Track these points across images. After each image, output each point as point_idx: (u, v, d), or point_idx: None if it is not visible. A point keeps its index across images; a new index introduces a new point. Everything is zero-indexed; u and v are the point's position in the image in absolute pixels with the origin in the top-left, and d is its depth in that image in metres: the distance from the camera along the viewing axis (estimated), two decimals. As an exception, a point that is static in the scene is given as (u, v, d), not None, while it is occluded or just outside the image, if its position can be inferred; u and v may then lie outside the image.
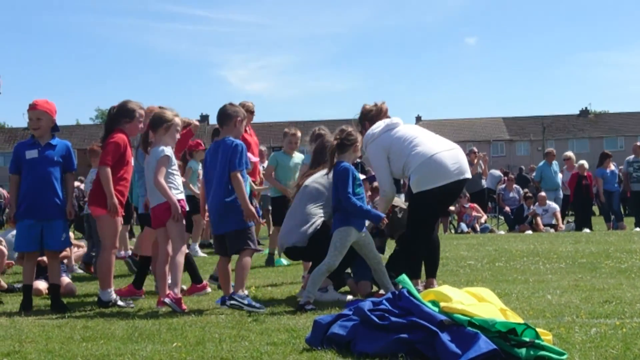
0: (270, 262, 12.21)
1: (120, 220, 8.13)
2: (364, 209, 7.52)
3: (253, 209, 7.73)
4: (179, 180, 7.99)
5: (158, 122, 7.98)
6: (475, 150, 23.80)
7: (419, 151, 8.06)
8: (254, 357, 5.14)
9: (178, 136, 8.19)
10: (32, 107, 8.17)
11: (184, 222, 7.95)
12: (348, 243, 7.54)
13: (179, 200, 7.83)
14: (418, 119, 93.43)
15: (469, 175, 8.25)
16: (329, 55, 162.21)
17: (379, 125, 8.41)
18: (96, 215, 8.15)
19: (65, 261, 10.65)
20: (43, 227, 8.05)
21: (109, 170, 7.91)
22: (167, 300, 7.50)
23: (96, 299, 8.22)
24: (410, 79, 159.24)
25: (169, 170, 7.83)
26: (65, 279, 9.37)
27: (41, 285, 8.97)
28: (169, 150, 7.87)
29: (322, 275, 7.52)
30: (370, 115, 8.63)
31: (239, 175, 7.61)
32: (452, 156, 8.12)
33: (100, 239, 8.36)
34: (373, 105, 8.73)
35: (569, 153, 23.78)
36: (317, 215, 8.05)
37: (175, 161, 8.01)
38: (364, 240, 7.66)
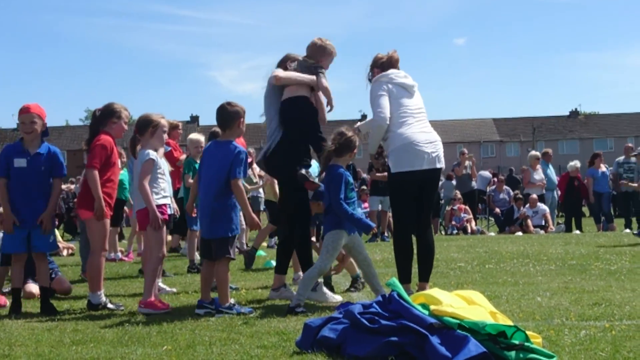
0: (251, 260, 12.06)
1: (108, 222, 8.11)
2: (355, 217, 7.49)
3: (256, 218, 7.79)
4: (163, 184, 7.94)
5: (144, 125, 7.97)
6: (465, 151, 23.87)
7: (403, 132, 8.05)
8: (244, 361, 5.14)
9: (166, 137, 8.20)
10: (26, 111, 8.11)
11: (165, 229, 7.94)
12: (339, 246, 7.54)
13: (161, 206, 7.80)
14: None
15: (442, 165, 8.24)
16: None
17: (399, 76, 8.32)
18: (84, 218, 8.14)
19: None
20: (31, 230, 8.03)
21: (96, 173, 7.90)
22: (140, 310, 7.49)
23: (85, 301, 8.20)
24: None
25: (154, 175, 7.81)
26: (61, 278, 9.40)
27: (34, 288, 8.94)
28: (154, 154, 7.83)
29: (314, 278, 7.51)
30: (380, 63, 8.52)
31: (240, 183, 7.53)
32: (432, 147, 8.14)
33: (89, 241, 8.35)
34: (385, 54, 8.65)
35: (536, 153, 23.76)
36: None
37: (162, 165, 7.97)
38: (353, 242, 7.65)
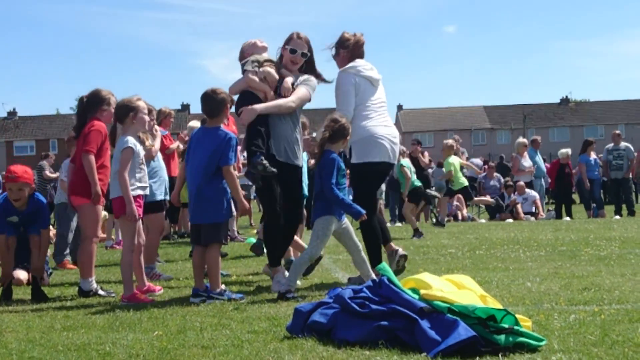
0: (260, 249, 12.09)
1: (101, 209, 8.11)
2: (346, 202, 7.49)
3: (247, 203, 7.82)
4: (139, 174, 7.78)
5: (123, 110, 7.83)
6: (456, 137, 23.90)
7: (365, 125, 8.26)
8: (235, 345, 5.15)
9: (147, 119, 8.07)
10: (13, 179, 8.15)
11: (141, 221, 7.90)
12: (329, 232, 7.54)
13: (136, 198, 7.70)
14: (399, 108, 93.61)
15: (395, 160, 8.64)
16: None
17: (366, 68, 8.46)
18: (77, 204, 8.12)
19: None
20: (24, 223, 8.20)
21: (93, 157, 7.87)
22: (123, 303, 7.46)
23: (76, 288, 8.20)
24: (391, 68, 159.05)
25: (132, 164, 7.67)
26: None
27: (22, 275, 8.94)
28: (132, 142, 7.71)
29: (304, 264, 7.51)
30: (346, 44, 8.57)
31: (231, 169, 7.54)
32: (391, 141, 8.37)
33: (81, 228, 8.36)
34: (352, 35, 8.66)
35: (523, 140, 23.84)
36: None
37: (141, 153, 7.85)
38: (343, 228, 7.66)
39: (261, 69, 8.09)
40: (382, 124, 8.36)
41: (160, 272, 9.48)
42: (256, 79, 8.05)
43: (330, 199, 7.45)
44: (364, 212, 7.53)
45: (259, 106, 7.84)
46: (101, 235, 13.97)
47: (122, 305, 7.36)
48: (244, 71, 8.19)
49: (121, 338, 5.56)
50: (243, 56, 8.36)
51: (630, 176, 21.88)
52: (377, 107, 8.44)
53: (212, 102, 7.65)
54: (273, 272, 8.12)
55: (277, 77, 8.11)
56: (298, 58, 8.29)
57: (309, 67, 8.42)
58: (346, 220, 7.72)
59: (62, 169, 11.99)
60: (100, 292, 8.00)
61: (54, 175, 22.05)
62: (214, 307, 6.93)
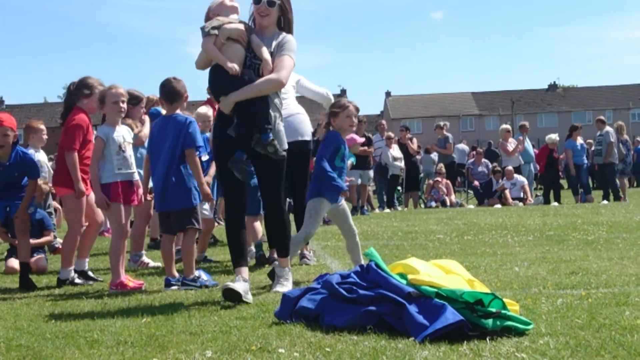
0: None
1: (85, 199, 8.05)
2: (329, 175, 7.41)
3: (208, 190, 7.87)
4: (119, 161, 7.62)
5: (101, 100, 7.79)
6: (442, 124, 23.98)
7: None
8: (223, 332, 5.14)
9: (123, 106, 7.79)
10: None
11: (121, 207, 7.68)
12: (322, 212, 7.53)
13: (112, 184, 7.58)
14: (387, 95, 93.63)
15: (307, 137, 8.76)
16: (298, 32, 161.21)
17: None
18: (61, 195, 8.11)
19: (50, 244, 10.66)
20: (10, 207, 8.11)
21: (76, 155, 7.84)
22: (111, 292, 7.42)
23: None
24: (379, 54, 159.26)
25: (105, 152, 7.56)
26: (38, 256, 9.39)
27: (15, 263, 8.91)
28: (102, 131, 7.63)
29: (300, 243, 7.53)
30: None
31: (194, 153, 7.54)
32: (296, 120, 8.62)
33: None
34: None
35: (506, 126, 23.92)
36: None
37: (120, 139, 7.67)
38: (338, 210, 7.64)
39: (220, 33, 6.58)
40: (288, 104, 8.63)
41: (148, 260, 9.47)
42: (211, 46, 6.61)
43: (317, 172, 7.45)
44: (344, 188, 7.52)
45: (233, 94, 6.56)
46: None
47: (110, 292, 7.35)
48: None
49: (109, 325, 5.55)
50: (209, 18, 6.84)
51: (616, 160, 21.90)
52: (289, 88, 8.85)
53: (171, 88, 7.63)
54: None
55: (241, 30, 6.62)
56: (263, 8, 6.79)
57: (287, 23, 6.96)
58: (343, 203, 7.71)
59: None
60: (77, 280, 7.97)
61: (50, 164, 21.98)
62: (202, 293, 6.94)
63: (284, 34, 6.82)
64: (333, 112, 7.59)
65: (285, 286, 6.74)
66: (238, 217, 6.85)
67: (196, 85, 57.24)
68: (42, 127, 12.10)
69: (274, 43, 6.73)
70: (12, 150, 8.17)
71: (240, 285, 6.33)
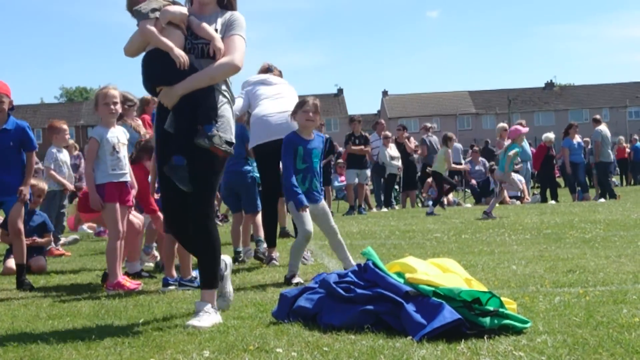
0: (283, 234, 12.13)
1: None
2: (287, 187, 7.48)
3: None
4: (113, 162, 7.60)
5: (95, 102, 7.84)
6: (428, 125, 23.97)
7: (256, 112, 8.82)
8: (220, 332, 5.14)
9: (118, 108, 7.76)
10: None
11: (117, 207, 7.64)
12: (298, 213, 7.54)
13: (106, 185, 7.56)
14: (384, 94, 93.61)
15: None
16: (293, 31, 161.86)
17: (257, 76, 9.44)
18: (86, 220, 8.15)
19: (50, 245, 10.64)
20: (4, 203, 8.05)
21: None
22: (109, 291, 7.40)
23: (62, 277, 8.18)
24: (375, 54, 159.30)
25: (99, 153, 7.54)
26: (38, 256, 9.41)
27: (14, 264, 8.88)
28: (96, 132, 7.63)
29: (302, 246, 7.57)
30: None
31: None
32: (277, 119, 8.71)
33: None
34: None
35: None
36: None
37: (111, 142, 7.62)
38: (318, 210, 7.63)
39: (161, 16, 5.65)
40: (271, 106, 9.03)
41: (157, 253, 9.43)
42: (153, 29, 5.62)
43: (283, 181, 7.63)
44: (304, 204, 7.45)
45: (180, 85, 5.53)
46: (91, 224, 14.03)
47: (108, 292, 7.34)
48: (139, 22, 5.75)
49: (107, 326, 5.55)
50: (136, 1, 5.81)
51: (613, 159, 21.95)
52: (272, 93, 9.27)
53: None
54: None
55: (184, 14, 5.73)
56: None
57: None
58: (323, 203, 7.70)
59: (47, 157, 12.00)
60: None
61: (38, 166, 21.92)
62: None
63: (229, 12, 5.84)
64: (293, 111, 7.71)
65: (202, 322, 5.37)
66: (183, 232, 5.80)
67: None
68: (65, 127, 12.24)
69: (220, 21, 5.75)
70: (7, 117, 8.10)
71: (208, 318, 5.44)
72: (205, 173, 5.56)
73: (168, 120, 5.55)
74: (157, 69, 5.62)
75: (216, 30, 5.66)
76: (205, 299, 5.58)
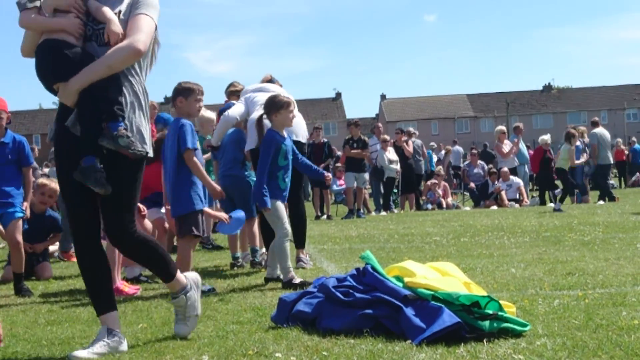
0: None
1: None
2: (255, 187, 7.62)
3: (217, 186, 7.68)
4: None
5: None
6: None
7: (253, 116, 8.72)
8: (219, 337, 5.14)
9: None
10: None
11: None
12: (281, 212, 7.57)
13: None
14: (383, 97, 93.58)
15: (302, 139, 9.07)
16: (293, 35, 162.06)
17: (256, 85, 9.51)
18: None
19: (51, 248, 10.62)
20: (2, 216, 8.06)
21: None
22: None
23: (61, 283, 8.17)
24: (373, 58, 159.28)
25: None
26: (45, 264, 9.45)
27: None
28: None
29: (285, 247, 7.49)
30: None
31: (191, 154, 7.17)
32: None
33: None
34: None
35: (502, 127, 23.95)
36: None
37: None
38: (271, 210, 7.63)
39: (43, 5, 4.92)
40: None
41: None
42: (34, 16, 4.93)
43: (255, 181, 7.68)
44: (267, 205, 7.49)
45: (75, 80, 4.77)
46: None
47: None
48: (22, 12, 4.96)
49: (105, 331, 5.53)
50: None
51: (611, 161, 21.96)
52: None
53: (174, 91, 7.56)
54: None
55: None
56: None
57: None
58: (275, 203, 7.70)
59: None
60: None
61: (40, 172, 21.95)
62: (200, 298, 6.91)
63: None
64: (273, 109, 7.69)
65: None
66: (92, 245, 5.05)
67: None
68: None
69: (126, 2, 4.96)
70: (5, 131, 8.13)
71: (97, 348, 4.77)
72: (119, 171, 4.85)
73: (70, 119, 4.84)
74: (48, 64, 4.88)
75: (119, 12, 4.89)
76: (110, 324, 4.90)
